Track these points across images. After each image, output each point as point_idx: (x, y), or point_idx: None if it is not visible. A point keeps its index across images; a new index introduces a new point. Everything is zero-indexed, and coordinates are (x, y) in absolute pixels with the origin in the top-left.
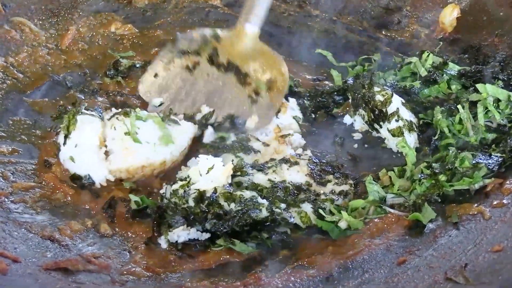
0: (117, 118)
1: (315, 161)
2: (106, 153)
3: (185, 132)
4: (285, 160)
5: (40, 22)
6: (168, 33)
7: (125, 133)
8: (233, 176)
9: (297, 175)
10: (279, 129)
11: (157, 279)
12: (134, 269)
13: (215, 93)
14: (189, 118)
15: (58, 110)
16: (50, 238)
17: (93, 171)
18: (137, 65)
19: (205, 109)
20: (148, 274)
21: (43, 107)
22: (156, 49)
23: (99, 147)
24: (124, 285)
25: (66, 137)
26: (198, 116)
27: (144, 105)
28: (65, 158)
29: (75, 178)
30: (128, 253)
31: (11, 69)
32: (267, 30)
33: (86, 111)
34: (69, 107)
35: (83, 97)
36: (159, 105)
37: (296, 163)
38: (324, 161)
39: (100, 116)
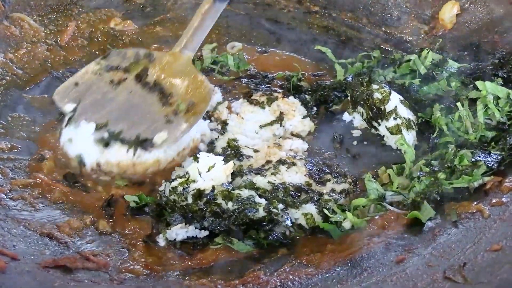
0: None
1: (311, 161)
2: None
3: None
4: (282, 162)
5: (40, 18)
6: (168, 29)
7: None
8: (232, 175)
9: (296, 176)
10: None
11: (156, 277)
12: (132, 267)
13: (132, 109)
14: (99, 128)
15: None
16: (48, 236)
17: (87, 152)
18: None
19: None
20: (146, 272)
21: (43, 103)
22: (155, 45)
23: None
24: (123, 283)
25: (70, 118)
26: (105, 132)
27: None
28: (64, 141)
29: (68, 176)
30: (126, 251)
31: (10, 65)
32: (266, 26)
33: None
34: None
35: None
36: (71, 111)
37: (294, 164)
38: (320, 161)
39: None
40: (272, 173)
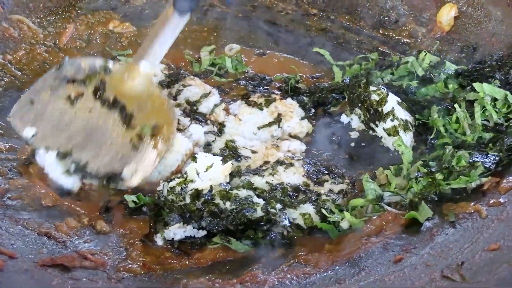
0: None
1: (309, 162)
2: None
3: (176, 151)
4: (280, 162)
5: (38, 20)
6: None
7: None
8: (230, 176)
9: (294, 176)
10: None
11: (154, 276)
12: (130, 266)
13: (94, 132)
14: (63, 156)
15: None
16: (46, 235)
17: (63, 180)
18: None
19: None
20: (144, 271)
21: None
22: None
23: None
24: (120, 281)
25: None
26: (71, 163)
27: None
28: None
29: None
30: (124, 250)
31: (9, 67)
32: (264, 28)
33: None
34: None
35: None
36: (32, 136)
37: (292, 165)
38: (318, 162)
39: None
40: (270, 174)
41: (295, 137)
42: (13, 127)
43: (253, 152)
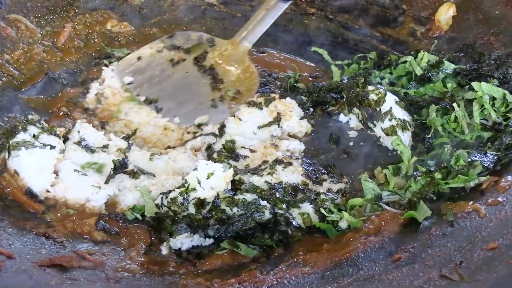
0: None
1: (307, 161)
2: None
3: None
4: (278, 161)
5: (36, 19)
6: (164, 30)
7: None
8: (232, 182)
9: (292, 176)
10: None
11: (152, 276)
12: (129, 266)
13: (184, 88)
14: (149, 102)
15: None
16: (45, 235)
17: (35, 182)
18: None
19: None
20: (143, 271)
21: (39, 104)
22: None
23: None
24: (119, 281)
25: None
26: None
27: (107, 117)
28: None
29: (31, 194)
30: (123, 250)
31: (6, 66)
32: None
33: (39, 143)
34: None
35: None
36: (128, 83)
37: (290, 164)
38: (316, 161)
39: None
40: (268, 173)
41: (294, 136)
42: (115, 73)
43: (252, 151)
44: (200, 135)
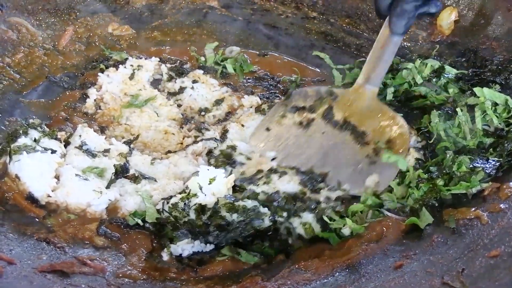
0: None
1: (302, 170)
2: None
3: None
4: (273, 171)
5: (37, 22)
6: (166, 34)
7: None
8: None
9: (289, 185)
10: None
11: (153, 282)
12: (130, 272)
13: (331, 151)
14: (302, 174)
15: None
16: (45, 240)
17: (36, 186)
18: (128, 58)
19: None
20: (144, 277)
21: (40, 108)
22: (153, 48)
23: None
24: (120, 287)
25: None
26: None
27: (107, 122)
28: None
29: (32, 199)
30: (124, 256)
31: (7, 70)
32: (264, 32)
33: (41, 147)
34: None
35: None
36: (272, 159)
37: (285, 173)
38: (311, 170)
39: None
40: (264, 182)
41: None
42: (254, 150)
43: (248, 158)
44: (201, 139)
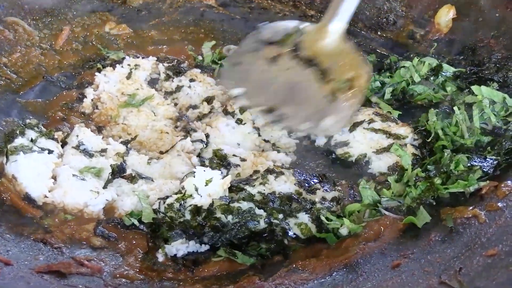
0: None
1: (299, 171)
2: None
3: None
4: (270, 171)
5: (34, 22)
6: (163, 33)
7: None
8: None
9: (285, 185)
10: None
11: (150, 282)
12: (127, 272)
13: (294, 88)
14: (265, 112)
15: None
16: (42, 241)
17: (33, 187)
18: (125, 57)
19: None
20: (141, 277)
21: (37, 107)
22: (151, 47)
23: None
24: None
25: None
26: (270, 117)
27: (105, 122)
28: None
29: (29, 199)
30: (121, 257)
31: (4, 70)
32: None
33: (38, 148)
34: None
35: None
36: (239, 95)
37: (282, 173)
38: (309, 169)
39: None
40: (260, 183)
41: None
42: (222, 84)
43: (242, 160)
44: (188, 137)
